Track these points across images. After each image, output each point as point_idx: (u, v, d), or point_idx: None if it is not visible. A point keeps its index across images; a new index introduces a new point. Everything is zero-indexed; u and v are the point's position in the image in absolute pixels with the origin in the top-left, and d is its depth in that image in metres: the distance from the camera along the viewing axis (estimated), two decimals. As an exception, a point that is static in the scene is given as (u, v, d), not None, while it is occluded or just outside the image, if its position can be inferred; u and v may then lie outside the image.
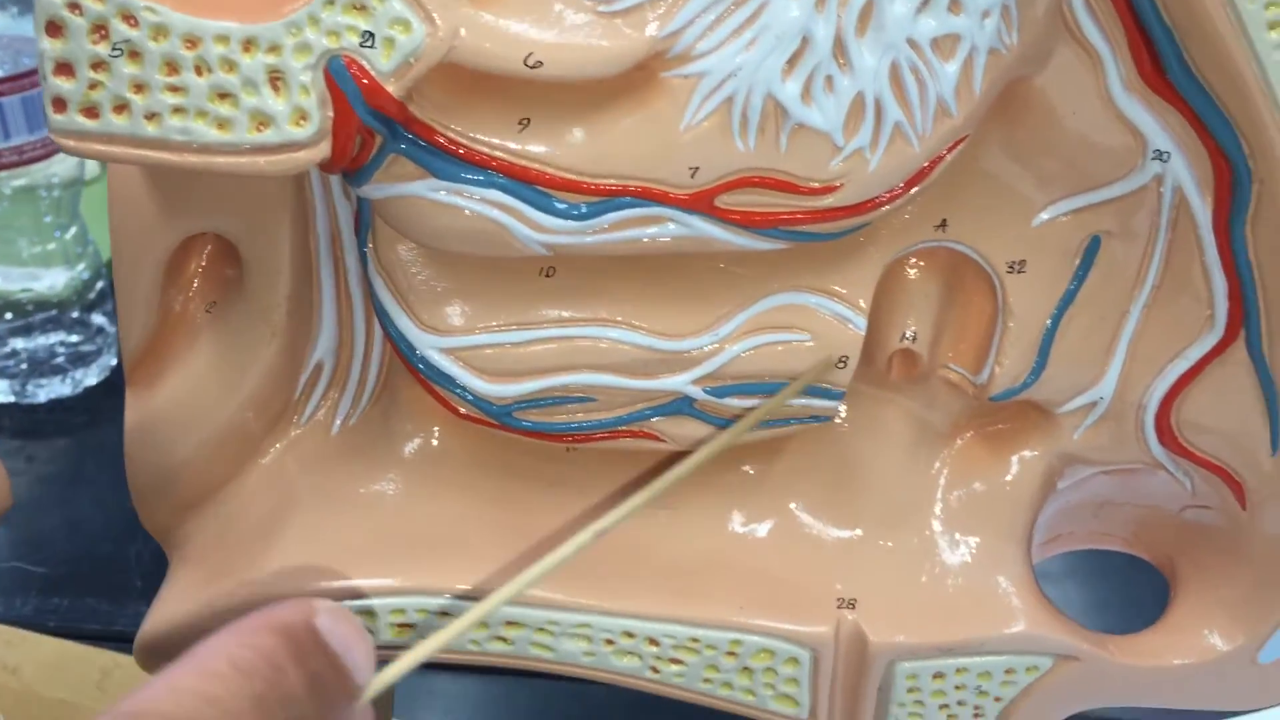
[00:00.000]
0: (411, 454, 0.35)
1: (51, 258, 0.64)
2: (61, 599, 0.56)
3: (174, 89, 0.26)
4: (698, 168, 0.28)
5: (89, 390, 0.66)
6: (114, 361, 0.66)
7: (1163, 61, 0.29)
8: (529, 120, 0.28)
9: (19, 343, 0.64)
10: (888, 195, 0.30)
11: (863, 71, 0.28)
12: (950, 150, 0.30)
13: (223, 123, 0.26)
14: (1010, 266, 0.33)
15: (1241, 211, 0.31)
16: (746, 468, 0.36)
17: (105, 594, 0.56)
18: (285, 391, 0.34)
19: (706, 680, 0.34)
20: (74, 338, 0.65)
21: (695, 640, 0.34)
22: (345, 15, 0.26)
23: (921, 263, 0.33)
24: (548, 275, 0.31)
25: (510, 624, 0.33)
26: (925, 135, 0.29)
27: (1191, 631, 0.35)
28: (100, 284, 0.66)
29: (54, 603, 0.55)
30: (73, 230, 0.65)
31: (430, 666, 0.54)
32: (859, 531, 0.36)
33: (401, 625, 0.32)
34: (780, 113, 0.28)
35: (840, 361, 0.32)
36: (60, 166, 0.62)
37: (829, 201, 0.29)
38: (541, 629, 0.33)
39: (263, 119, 0.26)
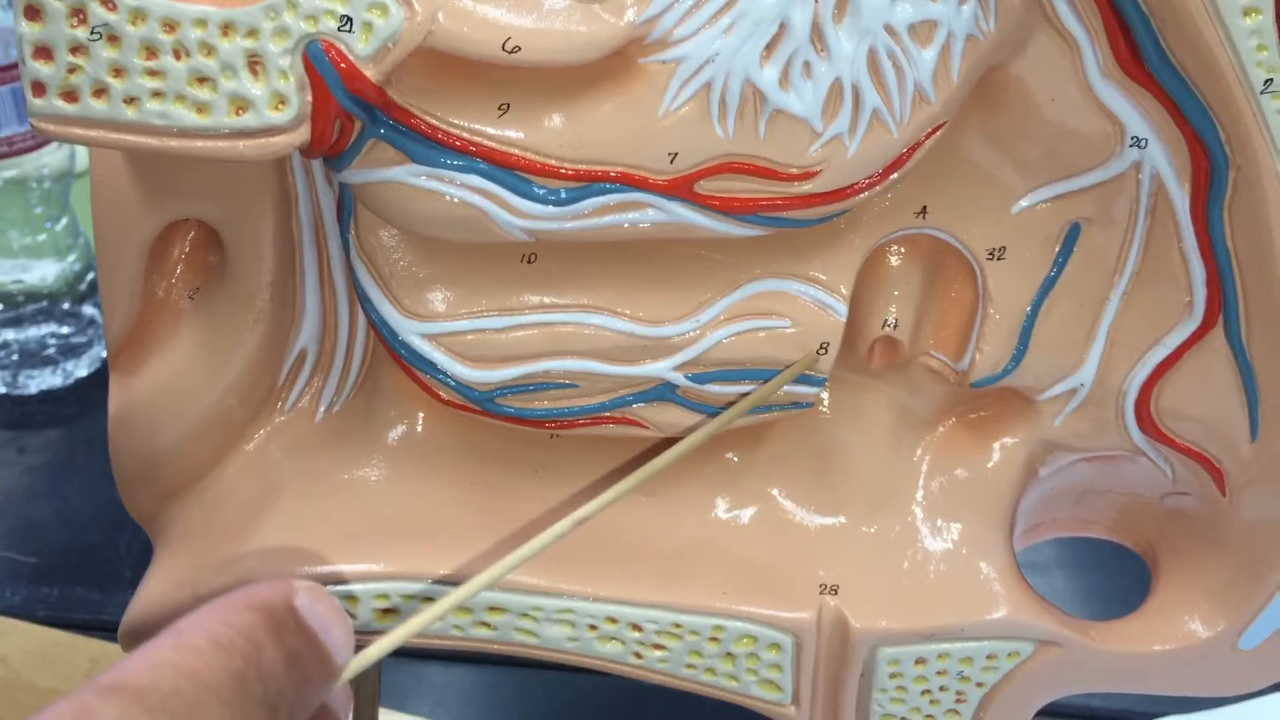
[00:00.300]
0: (395, 440, 0.35)
1: (42, 249, 0.64)
2: (51, 589, 0.56)
3: (152, 73, 0.26)
4: (677, 153, 0.29)
5: (80, 382, 0.66)
6: (105, 353, 0.66)
7: (1140, 49, 0.30)
8: (508, 105, 0.28)
9: (10, 334, 0.64)
10: (866, 181, 0.30)
11: (840, 57, 0.28)
12: (929, 137, 0.30)
13: (201, 107, 0.26)
14: (990, 253, 0.33)
15: (1219, 198, 0.31)
16: (729, 455, 0.36)
17: (95, 584, 0.56)
18: (269, 378, 0.34)
19: (689, 666, 0.34)
20: (65, 329, 0.65)
21: (678, 626, 0.34)
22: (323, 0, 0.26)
23: (903, 250, 0.33)
24: (529, 261, 0.32)
25: (494, 609, 0.33)
26: (903, 122, 0.29)
27: (1173, 618, 0.36)
28: (91, 275, 0.66)
29: (44, 592, 0.56)
30: (63, 222, 0.65)
31: (420, 656, 0.54)
32: (841, 518, 0.36)
33: (385, 610, 0.32)
34: (759, 98, 0.28)
35: (821, 348, 0.33)
36: (51, 158, 0.63)
37: (808, 187, 0.29)
38: (525, 614, 0.33)
39: (241, 103, 0.26)
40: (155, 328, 0.33)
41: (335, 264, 0.33)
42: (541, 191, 0.29)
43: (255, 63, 0.26)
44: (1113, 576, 0.55)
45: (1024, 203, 0.32)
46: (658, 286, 0.32)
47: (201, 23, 0.26)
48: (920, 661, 0.34)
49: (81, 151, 0.68)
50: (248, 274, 0.32)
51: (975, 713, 0.35)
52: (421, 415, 0.34)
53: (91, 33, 0.25)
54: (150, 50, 0.26)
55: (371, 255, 0.32)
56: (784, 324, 0.32)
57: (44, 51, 0.26)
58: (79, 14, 0.25)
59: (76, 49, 0.26)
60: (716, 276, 0.32)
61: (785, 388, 0.33)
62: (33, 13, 0.25)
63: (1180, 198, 0.31)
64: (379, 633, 0.29)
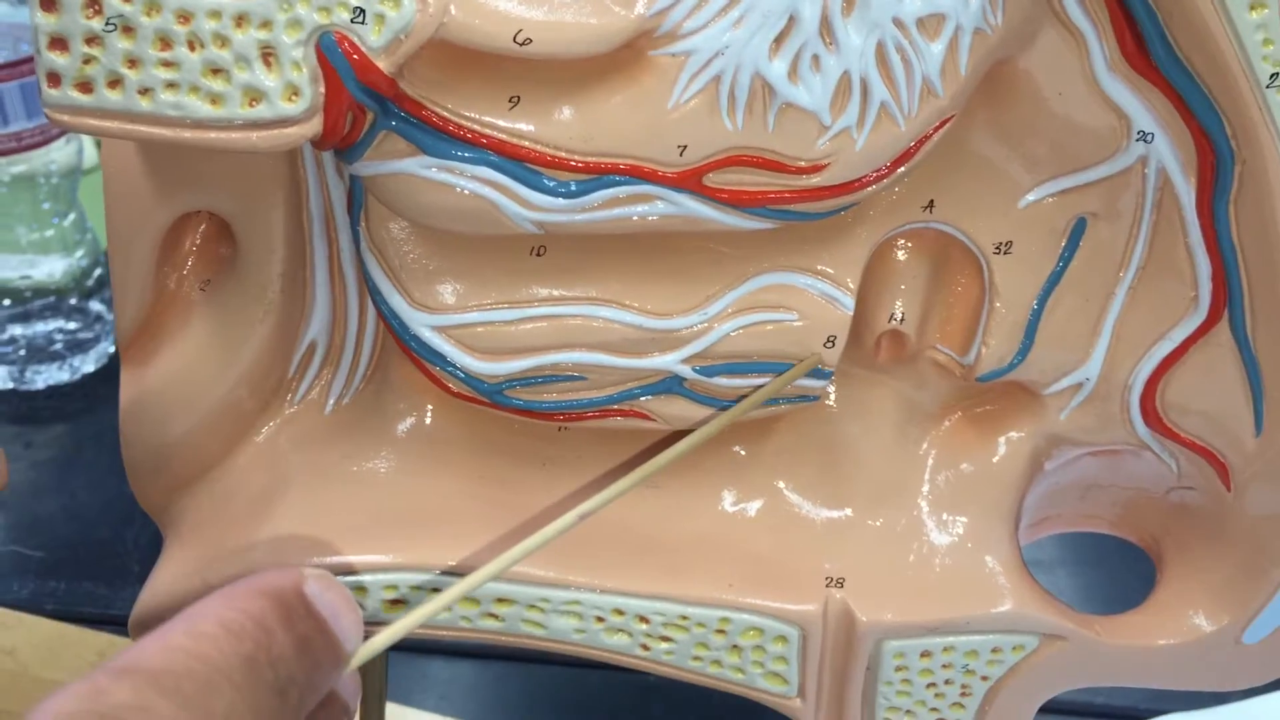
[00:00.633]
0: (404, 432, 0.35)
1: (50, 245, 0.64)
2: (59, 582, 0.56)
3: (167, 64, 0.26)
4: (686, 146, 0.29)
5: (87, 377, 0.66)
6: (112, 349, 0.66)
7: (1146, 43, 0.30)
8: (519, 98, 0.28)
9: (17, 329, 0.65)
10: (874, 175, 0.30)
11: (849, 51, 0.28)
12: (936, 130, 0.30)
13: (215, 98, 0.26)
14: (997, 248, 0.33)
15: (1224, 193, 0.31)
16: (736, 448, 0.36)
17: (102, 578, 0.56)
18: (279, 370, 0.34)
19: (696, 658, 0.34)
20: (72, 325, 0.65)
21: (685, 618, 0.34)
22: (336, -9, 0.26)
23: (910, 244, 0.34)
24: (539, 254, 0.32)
25: (501, 601, 0.33)
26: (911, 115, 0.29)
27: (1177, 612, 0.36)
28: (98, 271, 0.66)
29: (51, 586, 0.56)
30: (71, 217, 0.65)
31: (424, 651, 0.54)
32: (848, 511, 0.36)
33: (393, 601, 0.33)
34: (768, 91, 0.28)
35: (829, 341, 0.33)
36: (59, 153, 0.63)
37: (816, 180, 0.30)
38: (533, 606, 0.33)
39: (255, 94, 0.27)
40: (167, 319, 0.33)
41: (345, 256, 0.33)
42: (551, 184, 0.29)
43: (269, 54, 0.26)
44: (1115, 574, 0.55)
45: (1030, 197, 0.32)
46: (666, 279, 0.32)
47: (216, 14, 0.26)
48: (926, 655, 0.34)
49: (89, 147, 0.68)
50: (259, 266, 0.33)
51: (980, 706, 0.35)
52: (430, 408, 0.35)
53: (107, 24, 0.26)
54: (165, 41, 0.26)
55: (382, 247, 0.32)
56: (791, 317, 0.32)
57: (59, 42, 0.26)
58: (94, 5, 0.25)
59: (92, 40, 0.26)
60: (724, 269, 0.32)
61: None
62: (49, 3, 0.25)
63: (1186, 192, 0.31)
64: (387, 623, 0.29)
